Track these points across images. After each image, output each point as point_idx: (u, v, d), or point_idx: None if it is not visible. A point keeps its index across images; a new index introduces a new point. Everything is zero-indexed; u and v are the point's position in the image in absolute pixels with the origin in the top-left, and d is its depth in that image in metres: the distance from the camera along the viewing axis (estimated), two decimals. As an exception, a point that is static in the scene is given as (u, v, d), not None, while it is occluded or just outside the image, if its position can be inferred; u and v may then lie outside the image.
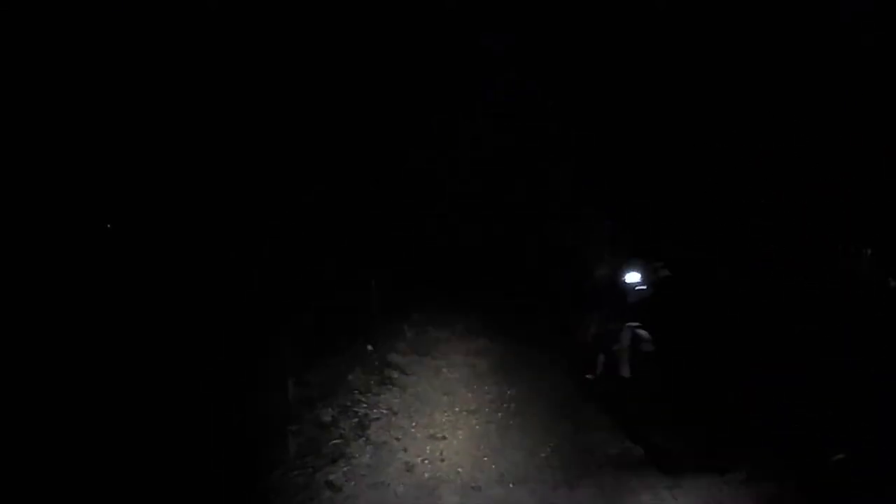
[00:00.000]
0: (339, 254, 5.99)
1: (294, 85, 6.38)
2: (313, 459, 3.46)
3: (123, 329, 4.20)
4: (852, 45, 4.74)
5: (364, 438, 3.66)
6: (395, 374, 4.42)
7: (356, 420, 3.86)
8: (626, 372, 4.38)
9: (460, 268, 6.56)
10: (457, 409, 4.12)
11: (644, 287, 4.36)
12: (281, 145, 6.35)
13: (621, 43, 6.14)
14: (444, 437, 3.76)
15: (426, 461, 3.55)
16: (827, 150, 4.90)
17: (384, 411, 3.97)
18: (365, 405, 4.01)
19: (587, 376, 4.71)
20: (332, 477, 3.31)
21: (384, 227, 6.69)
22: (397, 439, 3.70)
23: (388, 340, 4.97)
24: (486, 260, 6.86)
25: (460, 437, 3.80)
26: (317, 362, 4.44)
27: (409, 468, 3.47)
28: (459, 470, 3.47)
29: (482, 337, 5.40)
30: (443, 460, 3.57)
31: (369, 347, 4.73)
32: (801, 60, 5.07)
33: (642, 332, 4.35)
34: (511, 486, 3.39)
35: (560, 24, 6.31)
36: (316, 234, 6.08)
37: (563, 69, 6.56)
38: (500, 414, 4.14)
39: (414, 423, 3.89)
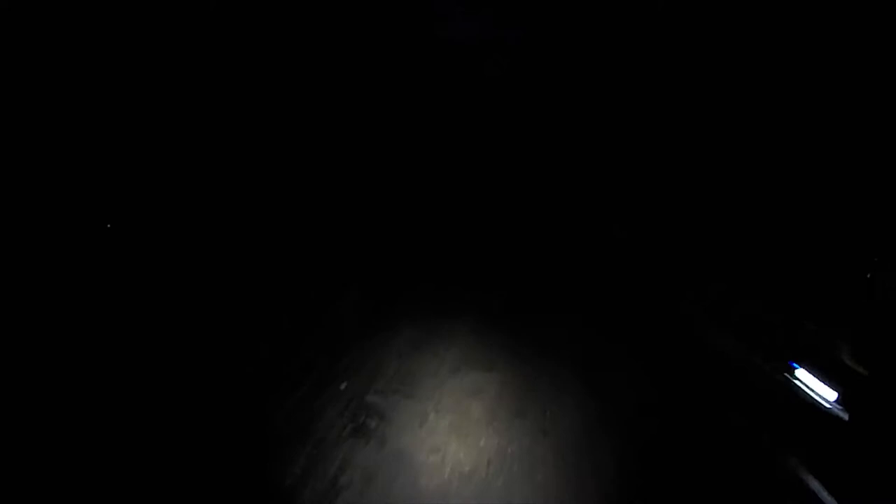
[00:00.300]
0: (339, 254, 6.00)
1: (294, 85, 6.39)
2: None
3: (122, 329, 4.20)
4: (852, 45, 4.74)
5: (330, 517, 2.97)
6: (373, 423, 3.80)
7: (322, 488, 3.18)
8: None
9: (460, 267, 6.57)
10: (447, 473, 3.42)
11: None
12: (281, 146, 6.36)
13: (621, 43, 6.15)
14: (431, 516, 3.11)
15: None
16: (827, 149, 4.91)
17: (356, 476, 3.32)
18: (334, 465, 3.37)
19: None
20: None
21: (384, 227, 6.72)
22: (372, 518, 3.03)
23: (367, 372, 4.33)
24: (486, 260, 6.88)
25: (453, 514, 3.13)
26: (279, 407, 3.80)
27: (386, 566, 2.81)
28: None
29: (482, 362, 4.58)
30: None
31: (342, 386, 4.21)
32: (801, 60, 5.08)
33: None
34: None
35: (560, 24, 6.33)
36: (316, 233, 6.10)
37: (563, 69, 6.58)
38: (500, 480, 3.41)
39: (393, 494, 3.25)
